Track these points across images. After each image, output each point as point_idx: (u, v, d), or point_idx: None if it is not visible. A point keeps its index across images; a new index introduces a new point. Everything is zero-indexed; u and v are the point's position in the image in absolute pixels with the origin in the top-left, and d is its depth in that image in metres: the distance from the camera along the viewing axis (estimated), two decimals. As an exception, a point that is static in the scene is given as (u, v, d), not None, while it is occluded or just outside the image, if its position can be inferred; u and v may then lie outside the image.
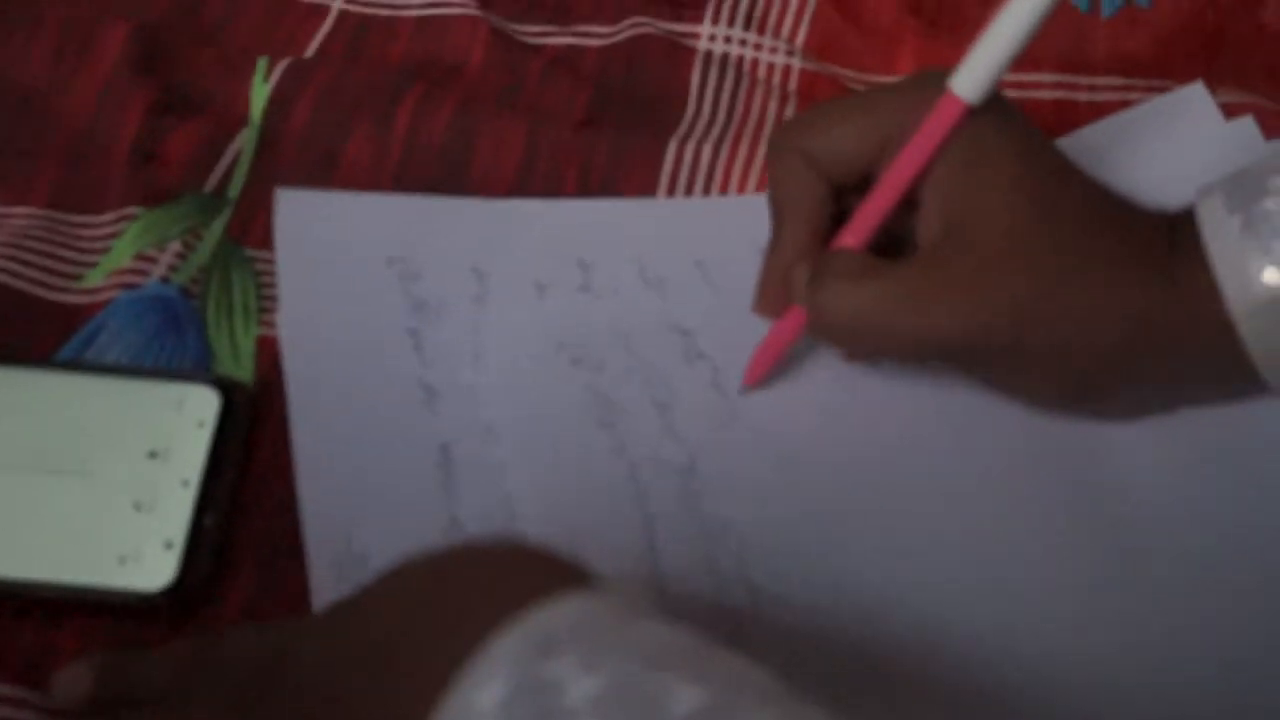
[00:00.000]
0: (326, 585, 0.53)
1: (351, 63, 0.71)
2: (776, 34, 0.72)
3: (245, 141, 0.67)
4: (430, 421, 0.58)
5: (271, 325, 0.61)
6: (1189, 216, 0.52)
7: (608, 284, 0.62)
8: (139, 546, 0.53)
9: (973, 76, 0.52)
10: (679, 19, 0.72)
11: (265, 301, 0.62)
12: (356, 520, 0.55)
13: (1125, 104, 0.67)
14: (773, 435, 0.58)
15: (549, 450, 0.57)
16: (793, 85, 0.70)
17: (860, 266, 0.54)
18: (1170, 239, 0.52)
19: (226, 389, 0.57)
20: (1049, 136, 0.64)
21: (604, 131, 0.67)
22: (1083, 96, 0.68)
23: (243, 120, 0.68)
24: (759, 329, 0.58)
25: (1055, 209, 0.52)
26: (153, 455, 0.56)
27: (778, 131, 0.58)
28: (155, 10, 0.73)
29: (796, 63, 0.70)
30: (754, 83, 0.70)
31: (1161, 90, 0.67)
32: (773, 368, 0.58)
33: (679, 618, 0.40)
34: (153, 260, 0.63)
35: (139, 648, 0.51)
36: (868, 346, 0.56)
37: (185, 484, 0.55)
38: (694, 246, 0.63)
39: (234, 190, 0.66)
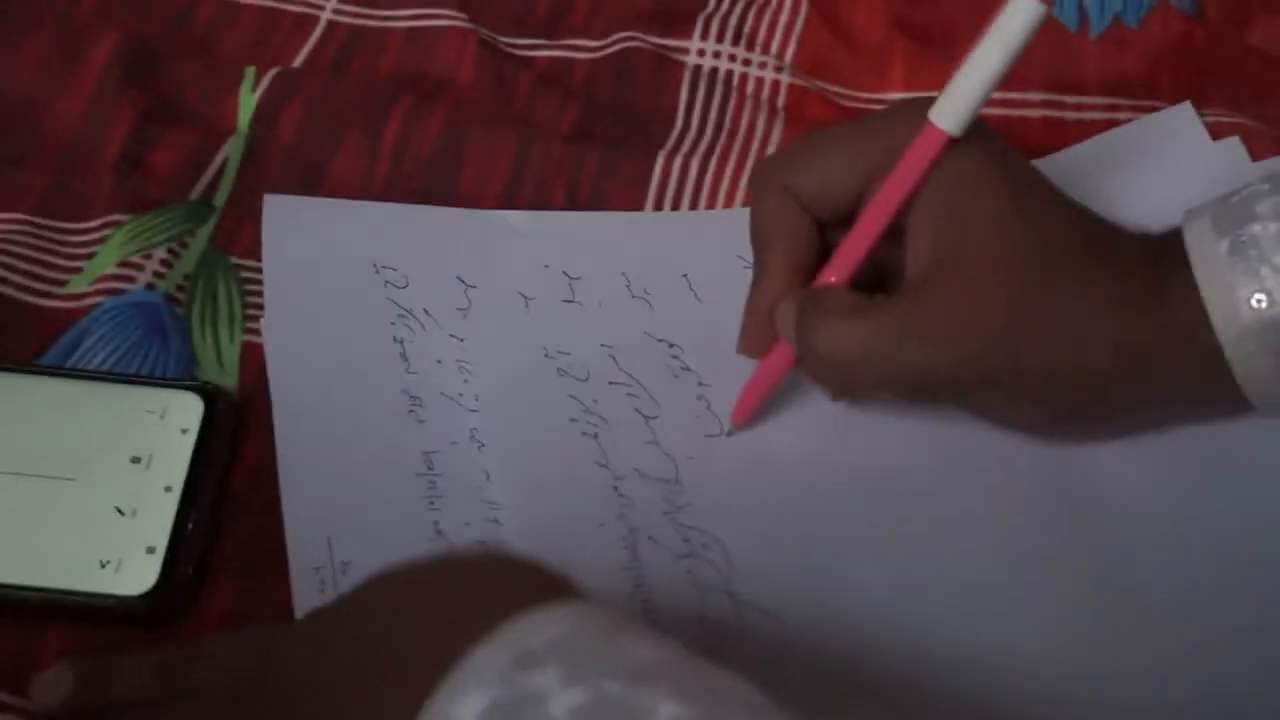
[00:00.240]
0: (309, 593, 0.53)
1: (340, 74, 0.71)
2: (766, 49, 0.72)
3: (232, 150, 0.67)
4: (414, 430, 0.58)
5: (256, 332, 0.61)
6: (1176, 239, 0.52)
7: (594, 296, 0.62)
8: (121, 552, 0.53)
9: (953, 108, 0.52)
10: (669, 33, 0.72)
11: (250, 309, 0.62)
12: (339, 528, 0.55)
13: (1113, 123, 0.67)
14: (757, 449, 0.58)
15: (533, 461, 0.57)
16: (781, 101, 0.70)
17: (850, 304, 0.53)
18: (1158, 262, 0.52)
19: (210, 396, 0.57)
20: (1036, 155, 0.65)
21: (593, 145, 0.67)
22: (1071, 115, 0.68)
23: (230, 130, 0.68)
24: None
25: (1043, 235, 0.52)
26: (136, 461, 0.55)
27: (759, 167, 0.57)
28: (145, 21, 0.73)
29: (785, 78, 0.70)
30: (743, 98, 0.70)
31: (1149, 110, 0.67)
32: (760, 406, 0.58)
33: (662, 631, 0.40)
34: (138, 267, 0.62)
35: (120, 652, 0.51)
36: (861, 384, 0.56)
37: (168, 490, 0.55)
38: (681, 260, 0.63)
39: (220, 199, 0.66)
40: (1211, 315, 0.50)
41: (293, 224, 0.64)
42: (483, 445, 0.58)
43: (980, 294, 0.52)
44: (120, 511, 0.54)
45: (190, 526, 0.54)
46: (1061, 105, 0.69)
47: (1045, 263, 0.52)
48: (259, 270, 0.63)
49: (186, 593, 0.54)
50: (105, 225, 0.64)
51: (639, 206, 0.65)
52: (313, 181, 0.67)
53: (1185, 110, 0.66)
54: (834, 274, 0.54)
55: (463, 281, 0.62)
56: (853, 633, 0.52)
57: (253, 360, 0.60)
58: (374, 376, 0.59)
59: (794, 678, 0.51)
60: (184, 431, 0.56)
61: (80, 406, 0.57)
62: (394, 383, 0.59)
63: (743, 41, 0.72)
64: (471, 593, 0.42)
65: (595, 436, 0.58)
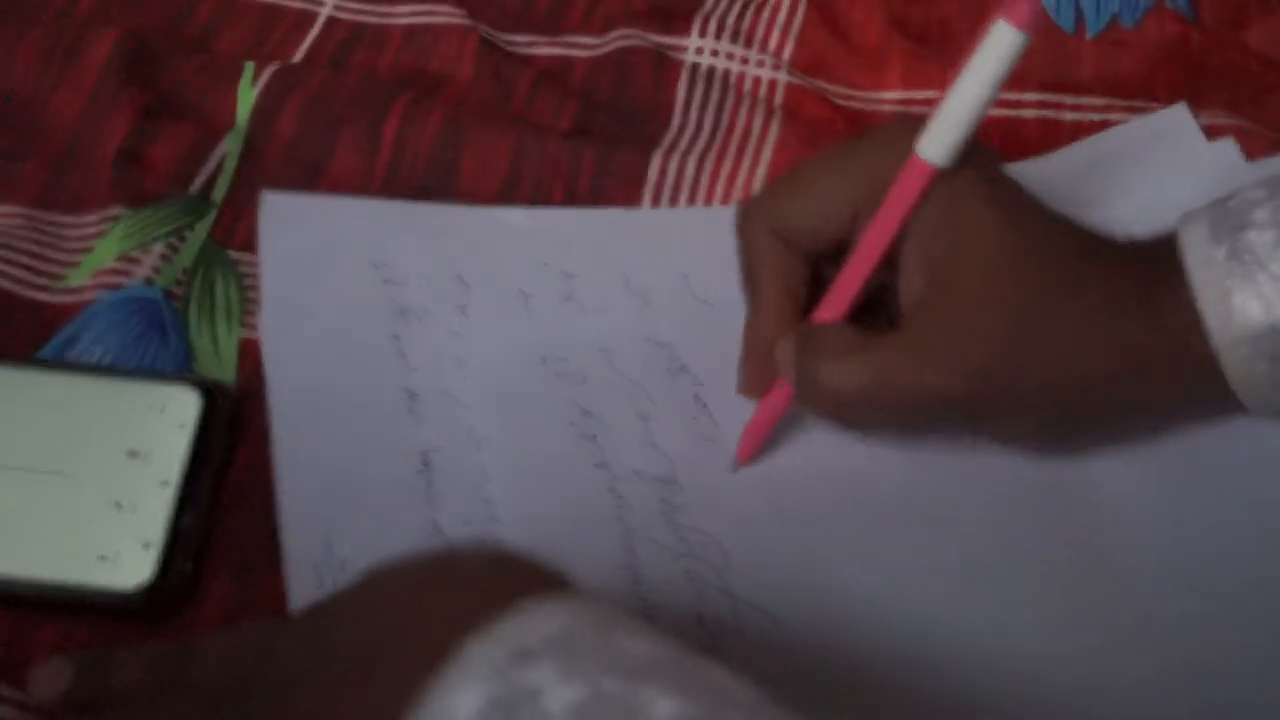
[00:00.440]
0: (305, 589, 0.53)
1: (340, 71, 0.71)
2: (764, 48, 0.72)
3: (231, 145, 0.67)
4: (412, 428, 0.58)
5: (254, 328, 0.61)
6: (1171, 244, 0.52)
7: (592, 294, 0.62)
8: (118, 546, 0.53)
9: (941, 139, 0.51)
10: (667, 31, 0.72)
11: (248, 304, 0.62)
12: (336, 525, 0.55)
13: (1109, 124, 0.67)
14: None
15: (530, 458, 0.57)
16: (779, 100, 0.70)
17: (847, 342, 0.53)
18: (1152, 268, 0.52)
19: (208, 391, 0.57)
20: (1032, 156, 0.65)
21: (591, 142, 0.67)
22: (1067, 116, 0.68)
23: (229, 125, 0.68)
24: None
25: (1036, 250, 0.52)
26: (133, 455, 0.56)
27: (745, 208, 0.56)
28: (145, 17, 0.73)
29: (783, 77, 0.70)
30: (740, 96, 0.70)
31: (1145, 111, 0.67)
32: (763, 444, 0.57)
33: (659, 629, 0.40)
34: (136, 262, 0.63)
35: (118, 646, 0.51)
36: (863, 420, 0.55)
37: (165, 485, 0.55)
38: (679, 258, 0.63)
39: (219, 194, 0.66)
40: (1208, 322, 0.50)
41: (290, 221, 0.64)
42: (481, 443, 0.58)
43: (978, 310, 0.51)
44: (117, 506, 0.54)
45: (186, 521, 0.54)
46: (1058, 106, 0.69)
47: (1041, 275, 0.52)
48: (257, 265, 0.63)
49: (183, 587, 0.54)
50: (104, 219, 0.64)
51: (636, 204, 0.66)
52: (311, 177, 0.67)
53: (1180, 111, 0.66)
54: (829, 313, 0.54)
55: (461, 279, 0.62)
56: (849, 632, 0.52)
57: (251, 355, 0.60)
58: (372, 373, 0.59)
59: (791, 676, 0.51)
60: (181, 426, 0.56)
61: (78, 401, 0.57)
62: (392, 380, 0.59)
63: (740, 40, 0.72)
64: (468, 588, 0.42)
65: (593, 436, 0.58)
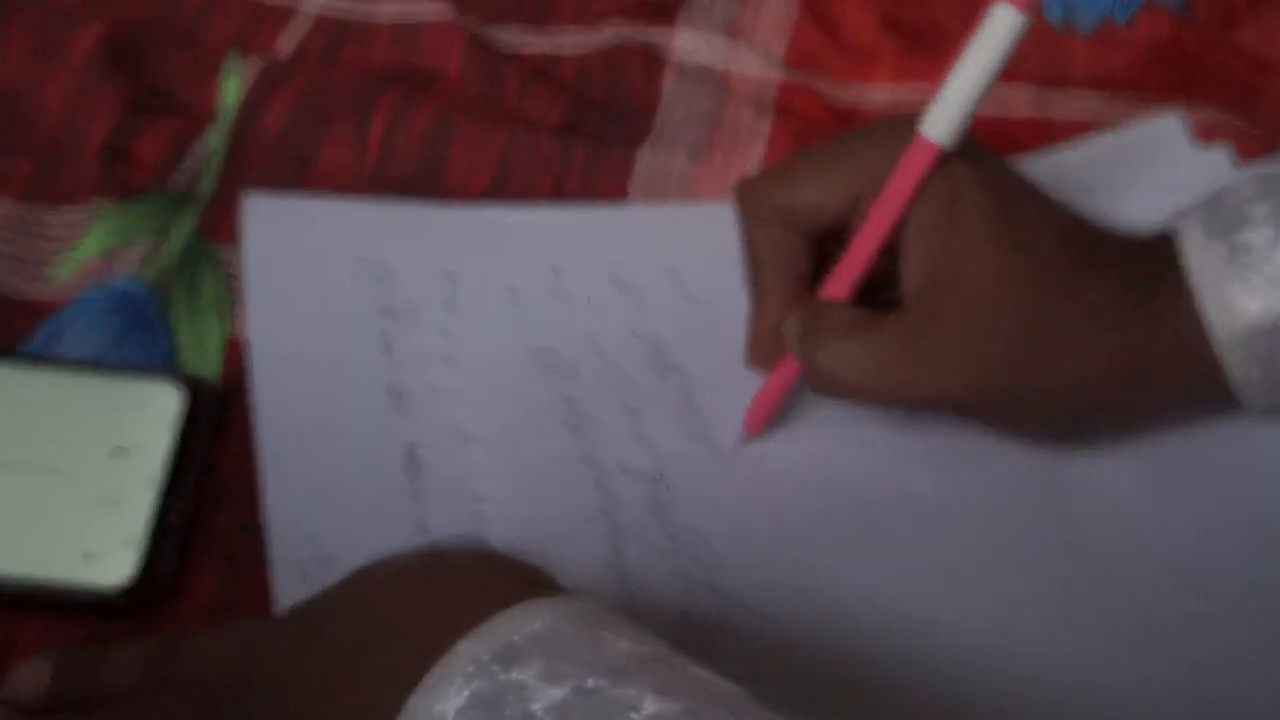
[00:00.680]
0: (290, 587, 0.53)
1: (328, 65, 0.71)
2: (755, 45, 0.72)
3: (217, 140, 0.67)
4: (398, 424, 0.58)
5: (240, 324, 0.61)
6: (1167, 243, 0.52)
7: (580, 290, 0.62)
8: (102, 543, 0.53)
9: (944, 118, 0.51)
10: (656, 26, 0.72)
11: (234, 300, 0.62)
12: (322, 522, 0.55)
13: (1101, 122, 0.67)
14: (743, 447, 0.57)
15: (518, 456, 0.57)
16: (770, 96, 0.70)
17: (851, 321, 0.53)
18: (1150, 266, 0.52)
19: (193, 387, 0.57)
20: (1023, 153, 0.65)
21: (580, 138, 0.67)
22: (1059, 113, 0.68)
23: (215, 119, 0.68)
24: (730, 340, 0.58)
25: (1037, 246, 0.52)
26: (117, 452, 0.55)
27: (745, 189, 0.57)
28: (131, 11, 0.73)
29: (774, 74, 0.70)
30: (730, 93, 0.70)
31: (1137, 108, 0.67)
32: (771, 417, 0.58)
33: (646, 627, 0.40)
34: (121, 257, 0.62)
35: (104, 644, 0.51)
36: (864, 398, 0.55)
37: (149, 482, 0.54)
38: (667, 254, 0.63)
39: (205, 188, 0.66)
40: (1207, 320, 0.51)
41: (274, 223, 0.64)
42: (469, 440, 0.57)
43: (980, 308, 0.52)
44: (101, 503, 0.54)
45: (171, 519, 0.54)
46: (1050, 102, 0.69)
47: (1042, 273, 0.52)
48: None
49: (168, 584, 0.53)
50: (88, 214, 0.64)
51: (625, 200, 0.65)
52: (299, 173, 0.66)
53: (1172, 120, 0.66)
54: (835, 290, 0.55)
55: (449, 275, 0.62)
56: (837, 630, 0.52)
57: (236, 351, 0.60)
58: (358, 370, 0.59)
59: (779, 675, 0.51)
60: (166, 423, 0.56)
61: (61, 397, 0.57)
62: (379, 376, 0.59)
63: (731, 36, 0.72)
64: (455, 587, 0.42)
65: (580, 432, 0.58)
